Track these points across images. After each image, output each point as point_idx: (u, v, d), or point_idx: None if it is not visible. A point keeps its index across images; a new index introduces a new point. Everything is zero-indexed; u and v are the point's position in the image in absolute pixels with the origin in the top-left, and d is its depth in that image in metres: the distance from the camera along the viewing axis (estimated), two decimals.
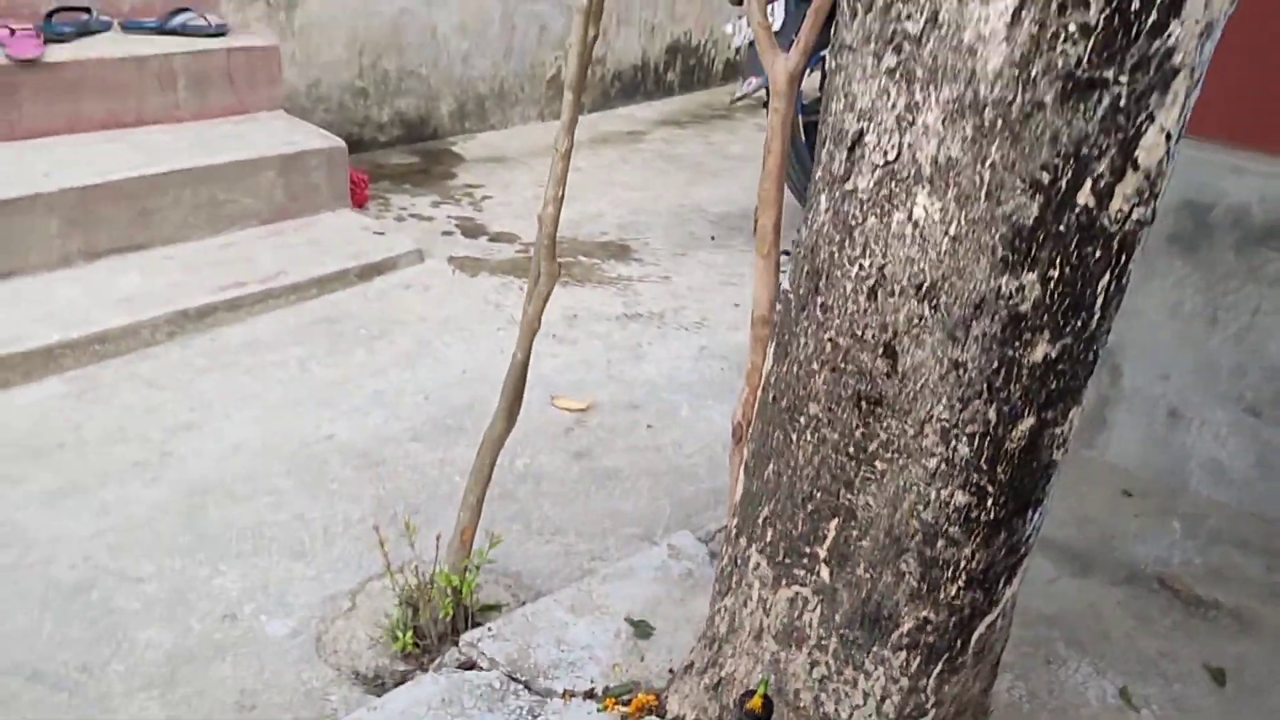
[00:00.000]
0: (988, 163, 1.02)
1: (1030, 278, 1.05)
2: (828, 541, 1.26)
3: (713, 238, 3.59)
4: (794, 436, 1.27)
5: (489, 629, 1.63)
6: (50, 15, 3.18)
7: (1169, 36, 0.93)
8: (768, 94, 1.57)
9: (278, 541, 1.98)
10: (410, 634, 1.69)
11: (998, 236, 1.04)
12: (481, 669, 1.56)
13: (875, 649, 1.25)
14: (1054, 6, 0.93)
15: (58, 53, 3.04)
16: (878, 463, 1.20)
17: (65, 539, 1.94)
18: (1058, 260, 1.04)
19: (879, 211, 1.11)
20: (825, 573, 1.27)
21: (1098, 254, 1.04)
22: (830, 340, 1.20)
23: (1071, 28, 0.93)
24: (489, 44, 4.52)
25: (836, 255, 1.17)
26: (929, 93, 1.04)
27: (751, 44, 3.48)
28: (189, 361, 2.56)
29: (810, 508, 1.27)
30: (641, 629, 1.65)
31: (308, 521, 2.04)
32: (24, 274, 2.71)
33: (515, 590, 1.90)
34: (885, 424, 1.18)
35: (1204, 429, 2.20)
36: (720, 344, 2.83)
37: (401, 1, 4.13)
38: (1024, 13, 0.94)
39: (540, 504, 2.14)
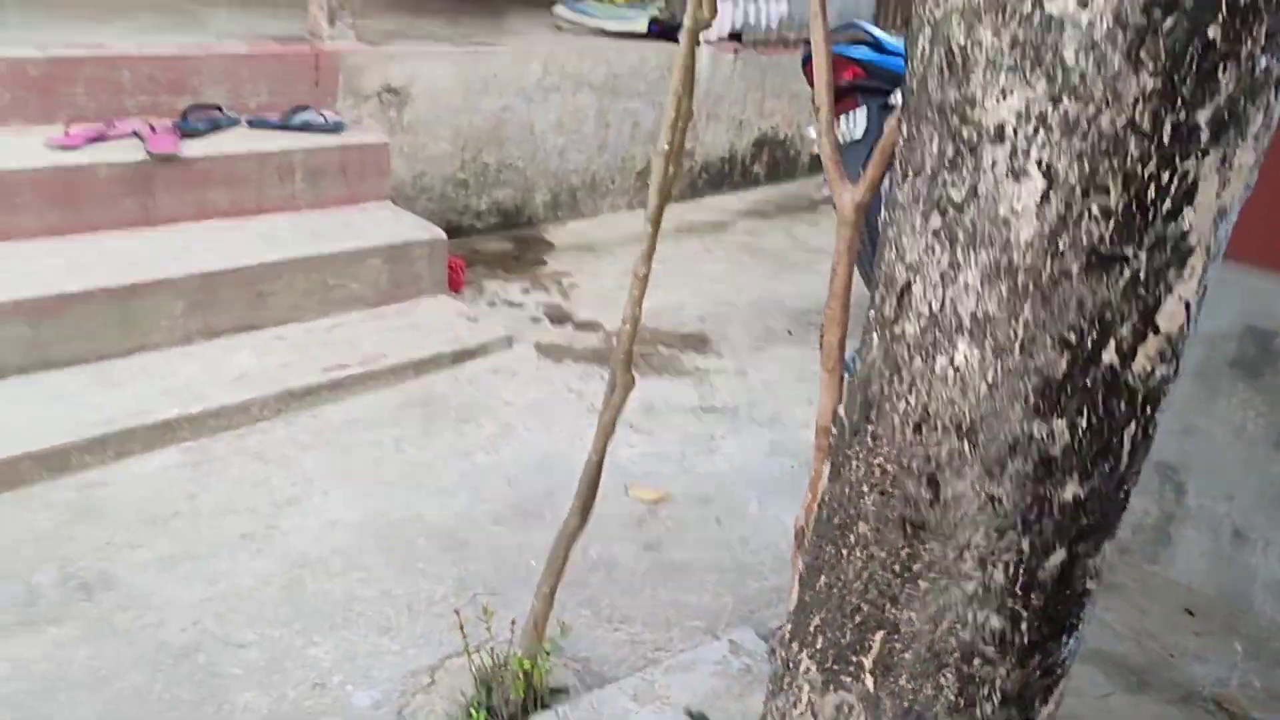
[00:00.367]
0: (1021, 320, 1.13)
1: (1060, 424, 1.15)
2: (873, 652, 1.35)
3: (789, 332, 3.71)
4: (844, 552, 1.37)
5: (557, 713, 1.75)
6: (186, 113, 3.49)
7: (1183, 221, 1.04)
8: None
9: (366, 616, 2.13)
10: (484, 713, 1.81)
11: (1030, 386, 1.14)
12: None
13: None
14: (1078, 191, 1.04)
15: (191, 148, 3.33)
16: (920, 582, 1.29)
17: (177, 603, 2.12)
18: (1085, 410, 1.13)
19: (924, 355, 1.23)
20: (870, 681, 1.36)
21: (1123, 406, 1.13)
22: (879, 466, 1.30)
23: (1094, 210, 1.04)
24: (584, 139, 4.76)
25: (886, 389, 1.29)
26: (969, 254, 1.16)
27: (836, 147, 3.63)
28: (294, 438, 2.76)
29: (858, 619, 1.37)
30: None
31: (394, 598, 2.19)
32: (150, 350, 2.96)
33: (583, 675, 2.01)
34: (928, 546, 1.28)
35: (1269, 550, 2.22)
36: (792, 441, 2.93)
37: (503, 100, 4.39)
38: (1052, 194, 1.06)
39: (610, 592, 2.25)
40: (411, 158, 4.16)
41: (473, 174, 4.41)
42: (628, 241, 4.54)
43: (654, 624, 2.17)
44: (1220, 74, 1.01)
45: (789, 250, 4.65)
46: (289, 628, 2.08)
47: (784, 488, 2.68)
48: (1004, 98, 1.07)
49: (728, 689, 1.82)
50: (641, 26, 4.97)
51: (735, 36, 5.28)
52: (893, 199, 1.28)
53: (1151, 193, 1.02)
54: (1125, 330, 1.09)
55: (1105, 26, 0.99)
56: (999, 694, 1.28)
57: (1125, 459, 1.17)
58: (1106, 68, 1.00)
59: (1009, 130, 1.08)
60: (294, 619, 2.11)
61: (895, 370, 1.27)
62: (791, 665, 1.48)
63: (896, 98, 3.27)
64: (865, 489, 1.33)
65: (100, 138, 3.23)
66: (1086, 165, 1.04)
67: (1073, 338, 1.10)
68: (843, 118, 3.58)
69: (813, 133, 3.80)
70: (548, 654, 1.85)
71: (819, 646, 1.42)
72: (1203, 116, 1.03)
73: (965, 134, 1.13)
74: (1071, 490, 1.18)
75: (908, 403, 1.26)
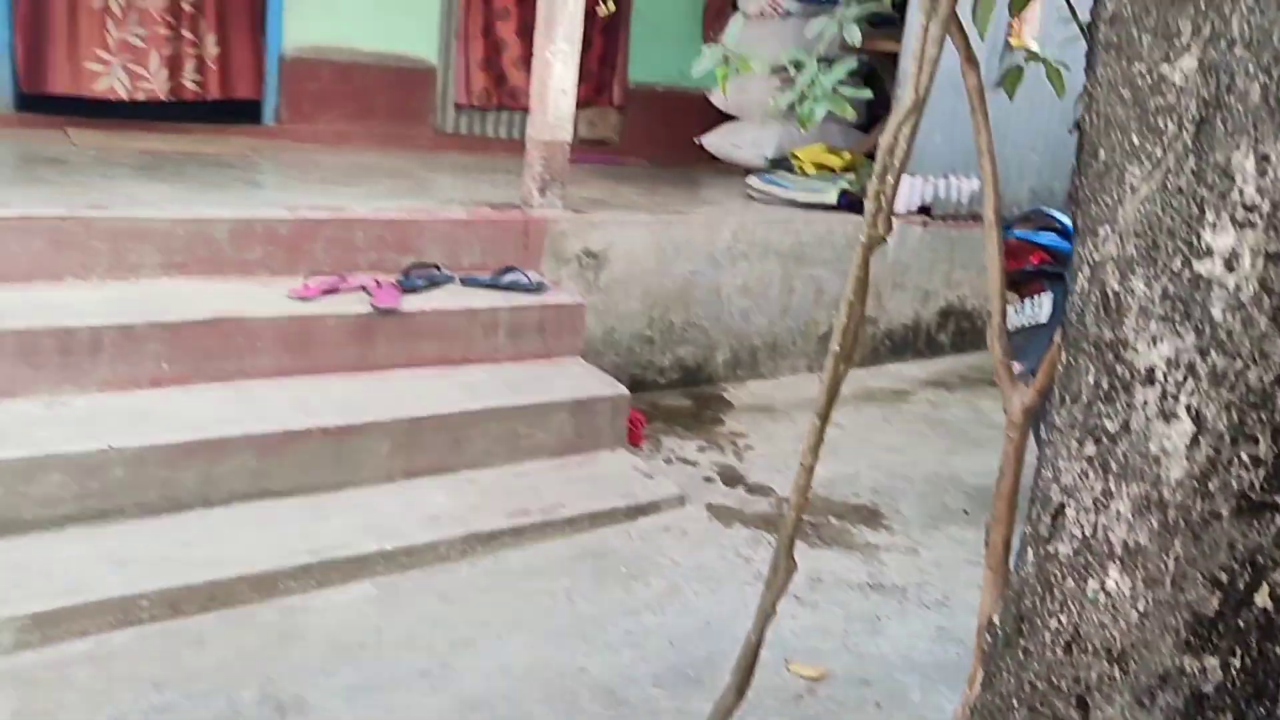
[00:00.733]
0: (1172, 555, 1.16)
1: (1212, 662, 1.15)
2: None
3: (966, 512, 3.67)
4: None
5: None
6: (409, 270, 3.86)
7: None
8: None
9: None
10: None
11: (1181, 620, 1.16)
12: None
13: None
14: (1227, 438, 1.09)
15: (410, 302, 3.67)
16: None
17: None
18: (1238, 650, 1.14)
19: (1076, 577, 1.26)
20: None
21: (1278, 650, 1.13)
22: (1030, 682, 1.33)
23: (1244, 457, 1.08)
24: (768, 303, 4.93)
25: (1038, 605, 1.32)
26: (1121, 485, 1.20)
27: (1018, 330, 3.65)
28: (475, 580, 2.93)
29: None
30: None
31: None
32: (356, 486, 3.23)
33: None
34: None
35: None
36: (959, 627, 2.88)
37: (693, 265, 4.63)
38: (1201, 439, 1.11)
39: None
40: (604, 315, 4.43)
41: (659, 332, 4.63)
42: (805, 405, 4.61)
43: None
44: None
45: (971, 424, 4.61)
46: None
47: (948, 675, 2.64)
48: (1155, 344, 1.13)
49: None
50: (831, 198, 5.16)
51: (924, 210, 5.39)
52: (1051, 421, 1.34)
53: None
54: (1279, 576, 1.10)
55: (1251, 290, 1.05)
56: None
57: None
58: (1253, 327, 1.05)
59: (1159, 374, 1.13)
60: None
61: (1048, 588, 1.31)
62: None
63: None
64: (1015, 703, 1.35)
65: (333, 290, 3.62)
66: (1235, 415, 1.08)
67: (1224, 577, 1.12)
68: (1028, 301, 3.61)
69: None
70: None
71: None
72: None
73: (1119, 371, 1.19)
74: None
75: (1059, 621, 1.29)
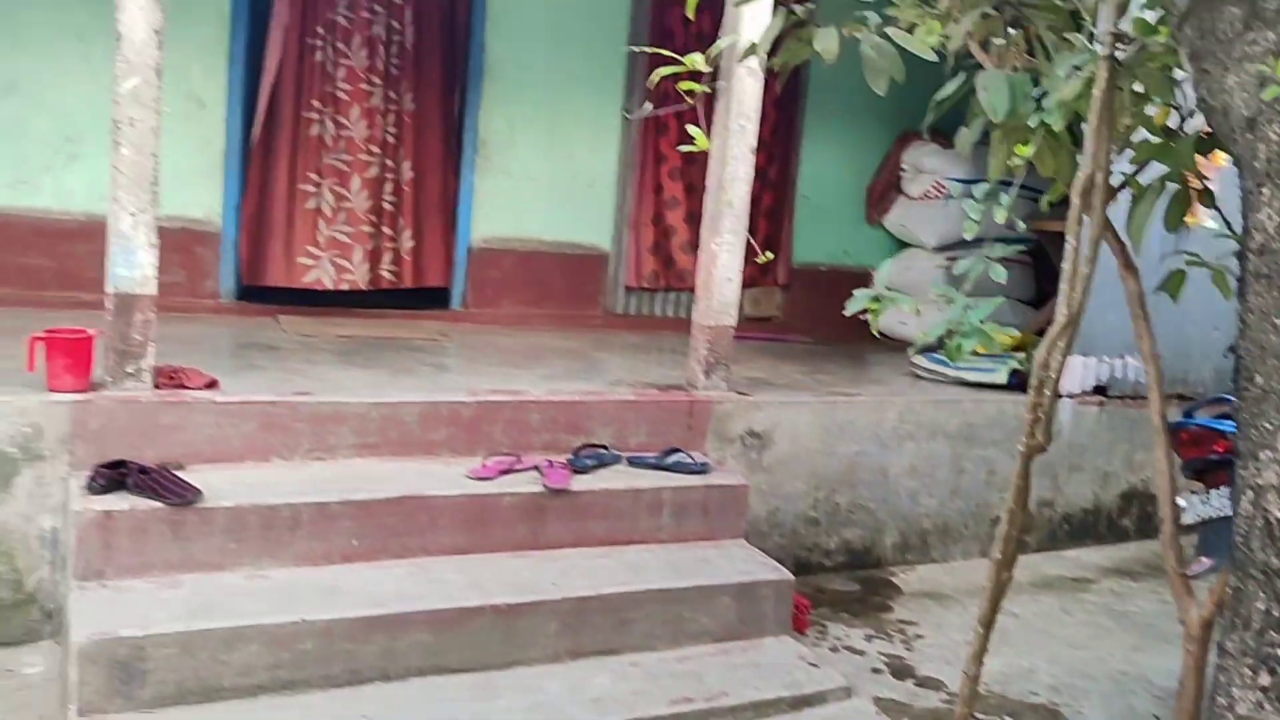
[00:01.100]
0: None
1: None
2: None
3: (1156, 717, 3.43)
4: None
5: None
6: (578, 450, 4.03)
7: None
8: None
9: None
10: None
11: None
12: None
13: None
14: None
15: (580, 482, 3.82)
16: None
17: None
18: None
19: None
20: None
21: None
22: None
23: None
24: (937, 484, 4.86)
25: None
26: None
27: (1203, 522, 3.47)
28: None
29: None
30: None
31: None
32: (523, 665, 3.30)
33: None
34: None
35: None
36: None
37: (859, 445, 4.63)
38: None
39: None
40: (767, 495, 4.46)
41: (824, 513, 4.61)
42: (977, 592, 4.44)
43: None
44: None
45: (1159, 618, 4.34)
46: None
47: None
48: None
49: None
50: (1002, 378, 5.11)
51: (1100, 390, 5.26)
52: (1222, 645, 1.31)
53: None
54: None
55: None
56: None
57: None
58: None
59: None
60: None
61: None
62: None
63: None
64: None
65: (509, 470, 3.80)
66: None
67: None
68: (1213, 492, 3.44)
69: (1182, 502, 3.66)
70: None
71: None
72: None
73: None
74: None
75: None
